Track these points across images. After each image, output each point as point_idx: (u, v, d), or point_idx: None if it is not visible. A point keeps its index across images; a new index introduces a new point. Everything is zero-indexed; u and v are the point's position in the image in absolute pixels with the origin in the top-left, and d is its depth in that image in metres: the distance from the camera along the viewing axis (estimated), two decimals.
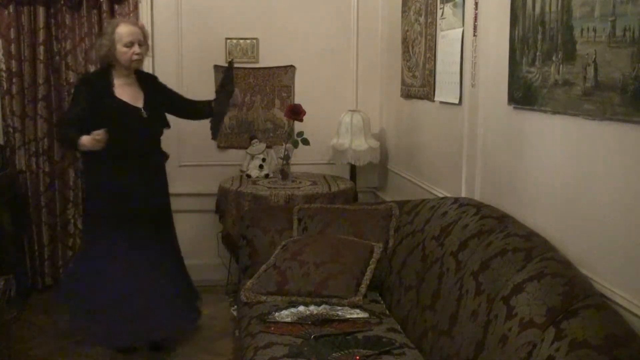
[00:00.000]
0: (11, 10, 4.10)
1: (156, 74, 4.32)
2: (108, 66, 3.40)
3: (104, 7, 4.16)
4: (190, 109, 3.69)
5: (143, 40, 3.40)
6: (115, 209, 3.39)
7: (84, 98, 3.37)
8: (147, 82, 3.52)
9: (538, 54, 2.31)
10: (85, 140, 3.14)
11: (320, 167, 4.55)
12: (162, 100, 3.54)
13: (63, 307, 3.59)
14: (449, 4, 3.19)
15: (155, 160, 3.53)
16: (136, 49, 3.34)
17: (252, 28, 4.44)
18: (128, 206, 3.38)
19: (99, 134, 3.11)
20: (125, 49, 3.32)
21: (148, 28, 4.26)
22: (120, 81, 3.40)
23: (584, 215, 2.09)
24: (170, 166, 4.40)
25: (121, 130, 3.27)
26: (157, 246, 3.45)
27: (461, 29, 3.05)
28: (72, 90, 3.71)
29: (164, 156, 3.59)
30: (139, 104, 3.41)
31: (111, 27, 3.42)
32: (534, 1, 2.34)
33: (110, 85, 3.38)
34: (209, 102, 3.67)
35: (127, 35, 3.32)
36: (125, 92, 3.40)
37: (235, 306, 3.50)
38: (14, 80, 4.16)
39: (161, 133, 3.53)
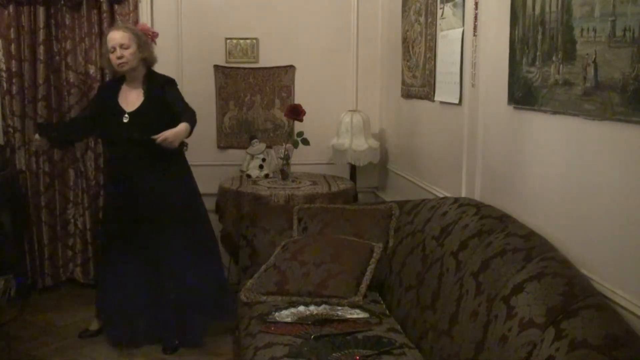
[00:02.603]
0: (11, 10, 4.10)
1: None
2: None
3: (104, 7, 4.16)
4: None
5: (127, 44, 3.34)
6: (112, 212, 3.59)
7: (91, 101, 3.72)
8: (156, 88, 3.43)
9: (538, 54, 2.31)
10: (34, 139, 3.48)
11: (320, 167, 4.55)
12: (160, 108, 3.39)
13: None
14: (449, 4, 3.19)
15: (148, 165, 3.38)
16: (117, 53, 3.34)
17: (252, 28, 4.44)
18: (120, 210, 3.50)
19: (36, 139, 3.43)
20: (111, 56, 3.38)
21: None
22: (126, 86, 3.47)
23: (584, 215, 2.09)
24: None
25: (108, 133, 3.50)
26: (155, 251, 3.47)
27: (461, 29, 3.05)
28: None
29: (170, 161, 3.43)
30: (132, 109, 3.40)
31: (106, 35, 3.53)
32: (534, 1, 2.34)
33: (117, 90, 3.47)
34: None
35: (109, 42, 3.39)
36: (127, 97, 3.45)
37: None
38: (14, 80, 4.16)
39: (149, 139, 3.22)
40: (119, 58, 3.34)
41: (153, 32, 3.59)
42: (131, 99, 3.43)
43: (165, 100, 3.40)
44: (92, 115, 3.55)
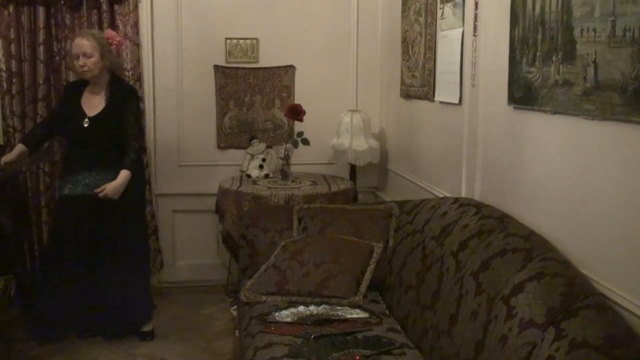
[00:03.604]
0: (11, 10, 4.09)
1: (156, 74, 4.36)
2: None
3: (104, 7, 4.16)
4: (118, 145, 3.49)
5: (90, 53, 3.42)
6: (58, 211, 3.69)
7: (59, 101, 3.85)
8: (118, 97, 3.48)
9: (538, 54, 2.31)
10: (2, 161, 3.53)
11: (320, 167, 4.55)
12: (119, 117, 3.46)
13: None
14: (449, 4, 3.19)
15: (102, 171, 3.43)
16: (80, 61, 3.42)
17: (252, 28, 4.44)
18: (68, 212, 3.55)
19: (4, 161, 3.49)
20: (75, 62, 3.48)
21: (147, 28, 4.29)
22: (89, 90, 3.55)
23: (584, 215, 2.09)
24: (170, 166, 4.43)
25: (68, 134, 3.60)
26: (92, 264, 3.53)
27: (461, 29, 3.05)
28: None
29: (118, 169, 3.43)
30: (93, 114, 3.47)
31: (72, 40, 3.62)
32: (534, 1, 2.34)
33: (81, 93, 3.55)
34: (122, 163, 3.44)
35: (74, 48, 3.50)
36: (90, 101, 3.53)
37: (235, 306, 3.50)
38: (14, 80, 4.15)
39: (108, 146, 3.45)
40: (81, 66, 3.43)
41: (118, 41, 3.62)
42: (93, 103, 3.50)
43: (120, 114, 3.47)
44: (57, 115, 3.67)
